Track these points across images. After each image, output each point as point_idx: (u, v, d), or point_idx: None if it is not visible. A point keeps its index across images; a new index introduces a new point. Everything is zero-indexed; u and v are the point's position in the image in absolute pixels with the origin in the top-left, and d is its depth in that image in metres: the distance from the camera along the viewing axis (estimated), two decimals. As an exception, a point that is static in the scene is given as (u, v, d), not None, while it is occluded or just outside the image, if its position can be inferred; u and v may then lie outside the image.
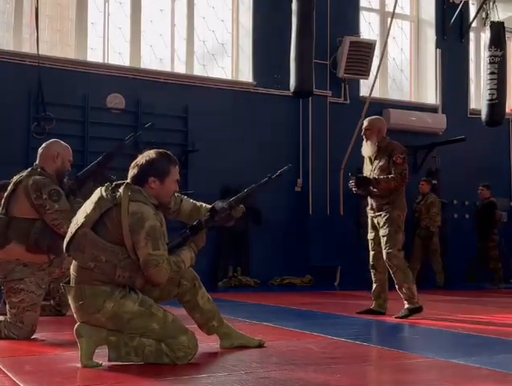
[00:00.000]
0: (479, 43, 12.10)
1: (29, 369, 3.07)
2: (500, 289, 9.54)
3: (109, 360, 3.15)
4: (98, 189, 3.27)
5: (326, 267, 9.81)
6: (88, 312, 3.13)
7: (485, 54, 10.17)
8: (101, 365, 3.11)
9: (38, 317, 4.05)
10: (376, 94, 10.84)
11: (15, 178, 4.21)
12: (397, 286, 5.45)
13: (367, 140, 5.61)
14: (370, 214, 5.62)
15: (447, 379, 2.99)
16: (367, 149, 5.63)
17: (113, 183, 3.27)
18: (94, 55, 9.49)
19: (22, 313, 3.95)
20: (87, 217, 3.17)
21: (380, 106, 10.86)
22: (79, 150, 8.77)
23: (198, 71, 10.14)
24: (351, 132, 10.03)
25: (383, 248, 5.45)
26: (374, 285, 5.63)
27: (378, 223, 5.51)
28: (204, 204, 3.62)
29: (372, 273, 5.66)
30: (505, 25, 10.14)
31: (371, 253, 5.64)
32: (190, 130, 9.54)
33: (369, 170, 5.66)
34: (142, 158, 3.29)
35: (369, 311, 5.64)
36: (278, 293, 8.63)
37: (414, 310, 5.39)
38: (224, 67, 10.40)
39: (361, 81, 10.84)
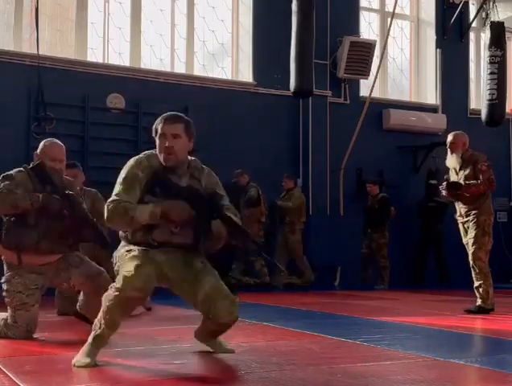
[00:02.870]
0: (479, 43, 12.10)
1: (29, 369, 3.07)
2: (385, 290, 9.16)
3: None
4: None
5: (326, 267, 9.80)
6: None
7: (485, 54, 10.16)
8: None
9: (33, 317, 4.02)
10: (376, 94, 10.84)
11: None
12: (475, 285, 5.91)
13: (452, 152, 6.08)
14: (460, 220, 6.05)
15: (447, 379, 2.99)
16: (452, 161, 6.10)
17: None
18: (94, 55, 9.49)
19: (14, 312, 3.99)
20: None
21: (380, 106, 10.87)
22: (79, 150, 8.78)
23: (198, 71, 10.14)
24: (351, 132, 10.04)
25: (469, 249, 5.89)
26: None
27: (468, 227, 5.93)
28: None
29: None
30: (505, 25, 10.12)
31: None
32: (190, 130, 9.52)
33: (455, 179, 6.08)
34: None
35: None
36: (278, 293, 8.63)
37: (485, 310, 5.78)
38: (224, 67, 10.40)
39: (361, 81, 10.83)
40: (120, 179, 3.27)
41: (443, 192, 6.02)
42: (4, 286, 4.06)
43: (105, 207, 3.22)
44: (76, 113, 8.95)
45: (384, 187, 10.64)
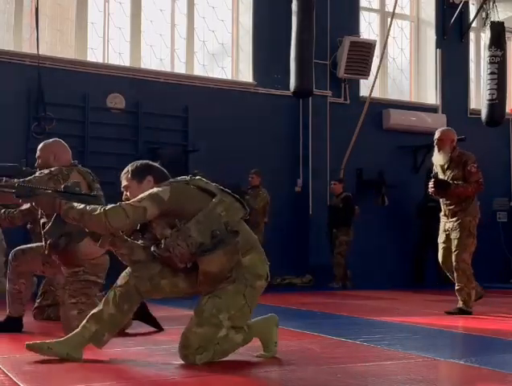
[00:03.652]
0: (479, 43, 12.10)
1: (29, 369, 3.07)
2: (339, 289, 9.04)
3: None
4: None
5: (326, 267, 9.80)
6: None
7: (485, 54, 10.17)
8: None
9: None
10: (376, 94, 10.84)
11: None
12: (456, 288, 5.76)
13: (439, 150, 5.95)
14: (443, 220, 5.97)
15: (447, 379, 2.99)
16: (439, 158, 5.97)
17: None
18: (94, 55, 9.49)
19: None
20: None
21: (380, 106, 10.87)
22: (79, 150, 8.76)
23: (198, 71, 10.14)
24: (351, 132, 10.04)
25: (453, 250, 5.77)
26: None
27: (450, 228, 5.86)
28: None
29: (449, 275, 5.95)
30: (505, 25, 10.13)
31: (441, 257, 5.96)
32: (190, 130, 9.54)
33: (441, 177, 5.96)
34: None
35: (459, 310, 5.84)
36: (278, 293, 8.63)
37: (466, 312, 5.68)
38: (224, 68, 10.40)
39: (361, 81, 10.83)
40: None
41: (431, 190, 5.95)
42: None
43: None
44: (76, 113, 8.95)
45: (384, 187, 10.64)
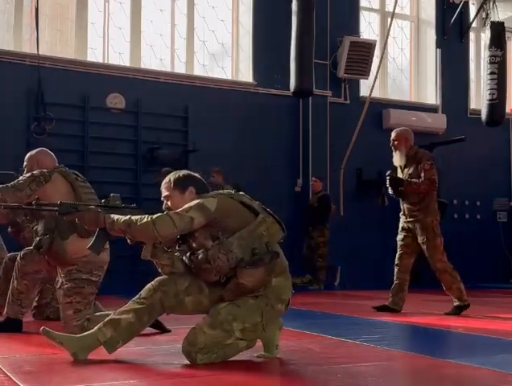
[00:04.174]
0: (479, 43, 12.10)
1: (29, 369, 3.07)
2: (321, 291, 8.91)
3: None
4: None
5: (326, 267, 9.80)
6: None
7: (485, 54, 10.16)
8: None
9: None
10: (376, 94, 10.84)
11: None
12: (445, 288, 5.85)
13: (396, 150, 6.06)
14: (402, 219, 6.01)
15: (447, 379, 2.99)
16: (396, 158, 6.11)
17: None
18: (94, 55, 9.49)
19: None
20: None
21: (380, 106, 10.86)
22: (79, 150, 8.77)
23: (198, 71, 10.14)
24: (351, 132, 10.03)
25: (426, 255, 5.81)
26: (395, 283, 6.01)
27: (410, 228, 5.88)
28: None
29: (395, 271, 6.01)
30: (505, 25, 10.13)
31: (397, 253, 6.02)
32: (190, 130, 9.54)
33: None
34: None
35: (385, 307, 5.95)
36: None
37: (464, 307, 5.75)
38: (224, 67, 10.40)
39: (361, 81, 10.83)
40: None
41: (389, 190, 6.02)
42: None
43: None
44: (76, 113, 8.94)
45: (384, 187, 10.62)
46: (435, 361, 3.41)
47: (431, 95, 11.55)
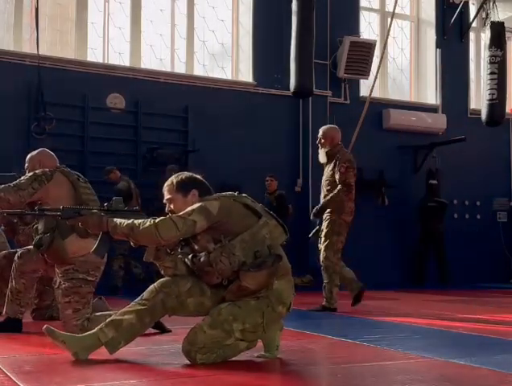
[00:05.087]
0: (479, 43, 12.10)
1: (29, 369, 3.07)
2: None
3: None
4: None
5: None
6: None
7: (485, 54, 10.17)
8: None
9: None
10: (376, 94, 10.83)
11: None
12: (323, 285, 6.00)
13: (321, 148, 6.13)
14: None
15: (447, 379, 2.99)
16: (320, 156, 6.18)
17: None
18: (94, 55, 9.49)
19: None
20: None
21: (380, 106, 10.86)
22: (79, 150, 8.78)
23: (198, 71, 10.14)
24: (351, 132, 10.02)
25: (321, 247, 6.01)
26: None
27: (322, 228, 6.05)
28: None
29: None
30: (505, 25, 10.13)
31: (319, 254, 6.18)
32: (190, 130, 9.54)
33: (324, 175, 6.18)
34: None
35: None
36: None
37: (329, 309, 5.89)
38: (224, 67, 10.40)
39: (361, 81, 10.83)
40: None
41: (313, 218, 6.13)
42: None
43: None
44: (76, 113, 8.94)
45: (384, 187, 10.64)
46: (435, 361, 3.41)
47: (431, 95, 11.55)
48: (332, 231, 5.96)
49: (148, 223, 3.16)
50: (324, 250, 5.97)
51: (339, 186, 5.91)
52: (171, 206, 3.40)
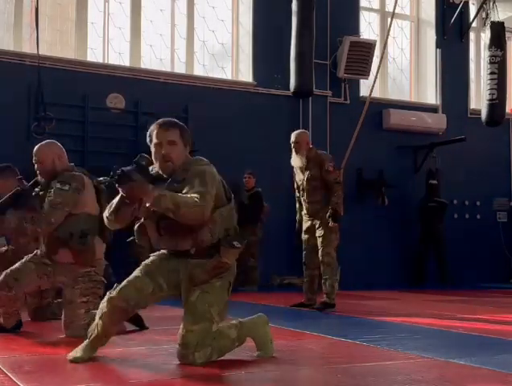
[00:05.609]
0: (479, 43, 12.10)
1: (29, 369, 3.07)
2: (255, 292, 8.48)
3: None
4: None
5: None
6: None
7: (485, 54, 10.18)
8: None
9: None
10: (376, 94, 10.83)
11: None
12: (323, 280, 6.06)
13: (296, 152, 6.20)
14: (306, 218, 6.24)
15: (447, 379, 2.99)
16: (297, 160, 6.23)
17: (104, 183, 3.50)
18: (94, 55, 9.49)
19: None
20: None
21: (380, 106, 10.86)
22: (79, 150, 8.77)
23: (198, 71, 10.14)
24: (351, 132, 10.02)
25: (319, 247, 6.07)
26: (305, 280, 6.36)
27: (314, 225, 6.13)
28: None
29: (304, 269, 6.32)
30: (505, 25, 10.15)
31: (304, 253, 6.36)
32: (190, 130, 9.50)
33: (301, 179, 6.26)
34: None
35: (301, 304, 6.28)
36: (278, 293, 8.63)
37: (329, 306, 5.97)
38: (224, 67, 10.40)
39: (361, 81, 10.83)
40: None
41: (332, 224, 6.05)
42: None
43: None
44: (76, 113, 8.94)
45: (384, 187, 10.64)
46: (435, 361, 3.41)
47: (431, 95, 11.55)
48: (330, 229, 6.04)
49: (194, 202, 3.02)
50: (324, 248, 6.06)
51: (335, 186, 6.02)
52: (168, 150, 3.22)
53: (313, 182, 6.10)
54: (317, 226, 6.11)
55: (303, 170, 6.21)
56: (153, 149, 3.27)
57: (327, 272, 6.05)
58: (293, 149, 6.24)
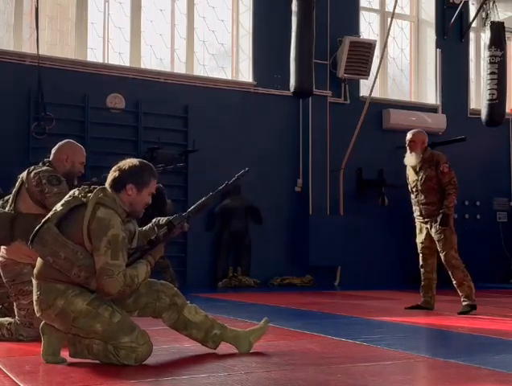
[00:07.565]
0: (479, 43, 12.10)
1: (29, 369, 3.07)
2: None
3: (70, 356, 3.22)
4: (75, 189, 3.32)
5: (326, 267, 9.80)
6: (41, 307, 3.18)
7: (485, 54, 10.16)
8: (64, 361, 3.18)
9: None
10: (376, 94, 10.84)
11: (23, 173, 4.11)
12: (456, 285, 5.94)
13: (411, 151, 6.08)
14: (419, 220, 6.18)
15: (447, 379, 2.99)
16: (412, 159, 6.10)
17: (91, 186, 3.33)
18: (94, 55, 9.49)
19: (32, 315, 3.70)
20: (54, 212, 3.22)
21: (380, 106, 10.87)
22: (79, 150, 8.77)
23: (198, 71, 10.14)
24: (351, 132, 10.03)
25: (440, 251, 5.96)
26: (423, 283, 6.19)
27: (428, 228, 6.03)
28: (162, 218, 3.58)
29: (421, 272, 6.21)
30: (505, 25, 10.12)
31: (420, 255, 6.24)
32: (190, 130, 9.54)
33: (415, 179, 6.14)
34: (125, 164, 3.31)
35: (417, 306, 6.11)
36: (278, 293, 8.63)
37: (474, 307, 5.80)
38: (224, 68, 10.40)
39: (361, 81, 10.83)
40: (109, 241, 3.08)
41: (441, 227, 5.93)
42: (26, 287, 3.87)
43: (109, 277, 3.05)
44: (76, 113, 8.95)
45: (384, 187, 10.63)
46: (435, 361, 3.41)
47: (431, 95, 11.55)
48: (450, 230, 5.94)
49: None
50: (448, 251, 5.95)
51: (449, 187, 5.89)
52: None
53: (429, 182, 5.98)
54: (434, 229, 5.96)
55: (416, 170, 6.09)
56: (145, 197, 3.35)
57: (457, 275, 5.92)
58: (407, 148, 6.14)
